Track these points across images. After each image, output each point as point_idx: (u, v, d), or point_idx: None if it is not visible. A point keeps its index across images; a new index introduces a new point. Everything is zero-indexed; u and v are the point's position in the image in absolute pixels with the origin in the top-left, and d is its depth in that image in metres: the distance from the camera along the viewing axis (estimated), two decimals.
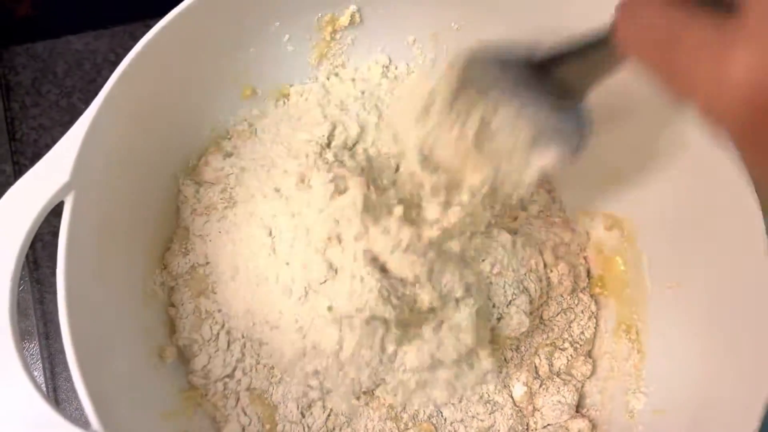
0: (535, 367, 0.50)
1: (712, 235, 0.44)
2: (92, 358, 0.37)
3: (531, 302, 0.49)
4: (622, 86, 0.46)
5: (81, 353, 0.36)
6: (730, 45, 0.19)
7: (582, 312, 0.52)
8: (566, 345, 0.51)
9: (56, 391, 0.53)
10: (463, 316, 0.44)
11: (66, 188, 0.37)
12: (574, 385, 0.50)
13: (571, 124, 0.36)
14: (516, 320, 0.48)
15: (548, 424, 0.49)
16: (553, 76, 0.34)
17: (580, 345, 0.51)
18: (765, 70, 0.18)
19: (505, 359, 0.49)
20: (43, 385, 0.53)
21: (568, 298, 0.51)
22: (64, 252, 0.37)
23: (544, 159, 0.36)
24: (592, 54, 0.32)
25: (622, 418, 0.48)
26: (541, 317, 0.51)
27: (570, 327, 0.51)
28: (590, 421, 0.48)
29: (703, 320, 0.45)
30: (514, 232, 0.51)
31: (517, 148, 0.36)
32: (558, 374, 0.50)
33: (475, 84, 0.36)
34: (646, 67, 0.23)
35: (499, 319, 0.48)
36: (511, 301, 0.48)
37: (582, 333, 0.51)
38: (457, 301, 0.45)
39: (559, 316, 0.51)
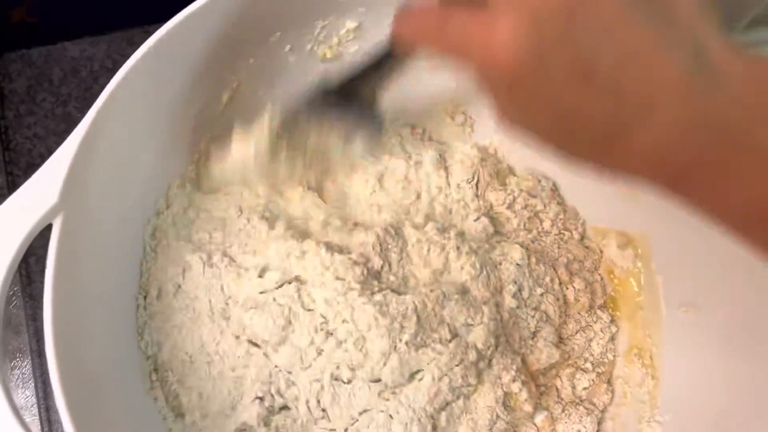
0: (557, 389, 0.48)
1: (731, 256, 0.42)
2: (80, 387, 0.35)
3: (555, 330, 0.47)
4: None
5: (68, 382, 0.34)
6: (490, 19, 0.25)
7: (602, 331, 0.49)
8: (588, 365, 0.49)
9: (48, 411, 0.52)
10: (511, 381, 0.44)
11: (54, 210, 0.35)
12: (596, 416, 0.48)
13: (370, 121, 0.44)
14: (546, 354, 0.46)
15: None
16: (351, 92, 0.42)
17: (602, 369, 0.49)
18: (514, 34, 0.24)
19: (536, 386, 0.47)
20: (35, 406, 0.51)
21: (586, 315, 0.50)
22: (51, 276, 0.35)
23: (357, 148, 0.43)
24: (382, 63, 0.39)
25: None
26: (560, 337, 0.49)
27: (590, 346, 0.49)
28: None
29: (721, 346, 0.43)
30: (524, 247, 0.49)
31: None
32: (581, 401, 0.48)
33: (293, 132, 0.44)
34: (428, 50, 0.30)
35: (526, 353, 0.46)
36: (536, 332, 0.47)
37: (605, 353, 0.49)
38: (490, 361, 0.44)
39: (578, 334, 0.49)
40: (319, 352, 0.42)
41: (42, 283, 0.54)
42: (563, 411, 0.47)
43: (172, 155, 0.45)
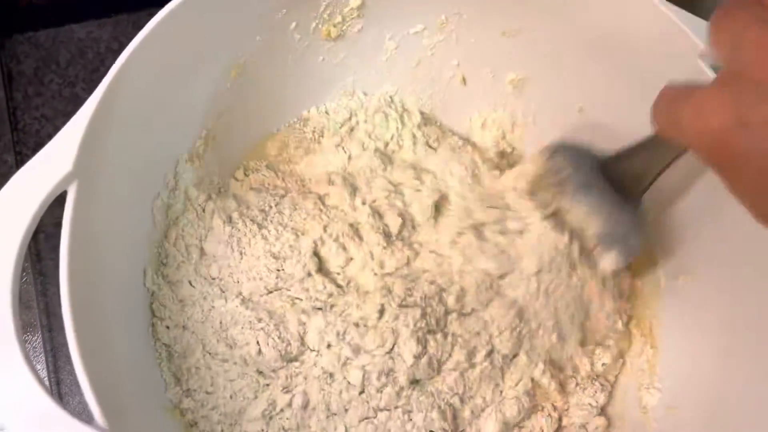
0: (575, 366, 0.47)
1: (729, 224, 0.43)
2: (96, 353, 0.36)
3: (580, 327, 0.47)
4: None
5: (84, 348, 0.35)
6: (706, 100, 0.25)
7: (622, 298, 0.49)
8: (610, 342, 0.48)
9: (59, 384, 0.53)
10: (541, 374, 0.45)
11: (69, 178, 0.36)
12: (608, 390, 0.48)
13: (629, 227, 0.42)
14: (572, 349, 0.47)
15: (572, 423, 0.47)
16: (619, 175, 0.40)
17: (618, 347, 0.49)
18: (725, 125, 0.24)
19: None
20: (46, 379, 0.52)
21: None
22: (67, 243, 0.36)
23: (607, 263, 0.43)
24: (654, 149, 0.36)
25: (635, 414, 0.47)
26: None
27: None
28: (606, 418, 0.47)
29: (719, 314, 0.44)
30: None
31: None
32: (597, 377, 0.48)
33: (556, 175, 0.43)
34: (667, 135, 0.29)
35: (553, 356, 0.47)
36: (563, 337, 0.47)
37: (625, 324, 0.49)
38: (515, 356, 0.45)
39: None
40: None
41: (51, 259, 0.56)
42: (577, 385, 0.47)
43: (181, 129, 0.46)
